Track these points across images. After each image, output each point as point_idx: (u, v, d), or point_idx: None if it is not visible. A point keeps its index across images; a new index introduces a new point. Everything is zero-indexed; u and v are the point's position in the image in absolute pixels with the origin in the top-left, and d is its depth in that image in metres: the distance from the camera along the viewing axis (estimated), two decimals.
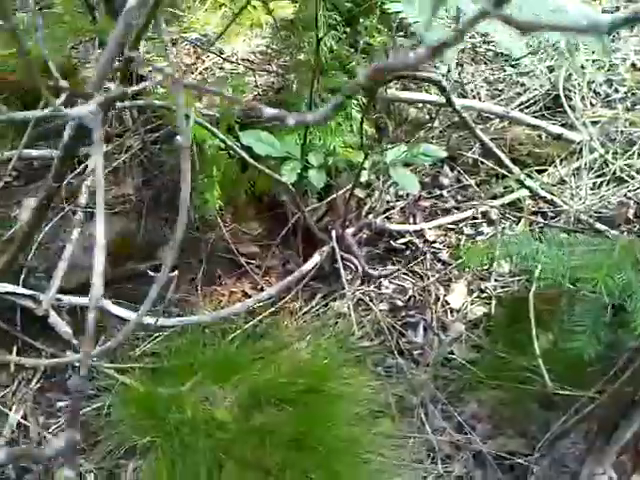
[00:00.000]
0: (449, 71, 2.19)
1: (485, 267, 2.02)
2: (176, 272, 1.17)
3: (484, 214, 2.18)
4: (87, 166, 2.18)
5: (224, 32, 1.80)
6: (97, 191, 0.41)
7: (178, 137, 0.91)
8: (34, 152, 2.26)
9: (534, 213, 2.16)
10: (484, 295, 1.99)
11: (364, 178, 1.87)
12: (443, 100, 2.07)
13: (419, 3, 1.53)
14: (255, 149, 1.84)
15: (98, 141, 0.43)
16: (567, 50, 2.16)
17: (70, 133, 0.85)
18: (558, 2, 1.29)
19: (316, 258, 2.04)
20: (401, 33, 2.27)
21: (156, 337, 1.96)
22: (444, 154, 1.89)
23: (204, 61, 2.95)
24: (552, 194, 2.07)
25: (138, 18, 0.63)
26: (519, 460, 1.62)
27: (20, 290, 1.91)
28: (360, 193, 2.22)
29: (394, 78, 2.01)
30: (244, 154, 1.61)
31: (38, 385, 1.86)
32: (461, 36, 0.36)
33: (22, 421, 1.77)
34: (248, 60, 3.01)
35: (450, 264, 2.07)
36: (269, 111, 0.45)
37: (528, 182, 2.03)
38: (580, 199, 2.13)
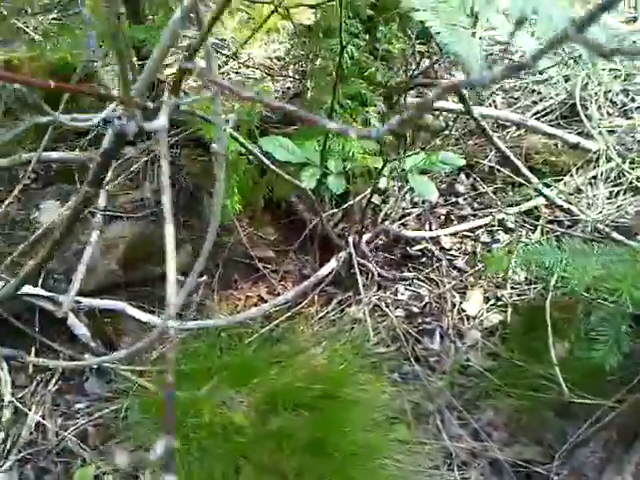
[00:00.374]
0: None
1: (501, 275, 2.03)
2: (204, 277, 1.18)
3: (500, 222, 2.19)
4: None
5: (250, 38, 1.81)
6: (164, 197, 0.42)
7: (214, 145, 0.93)
8: (53, 154, 2.28)
9: (550, 222, 2.16)
10: (500, 303, 2.00)
11: (382, 184, 1.88)
12: (461, 108, 2.09)
13: (444, 15, 1.54)
14: (275, 155, 1.85)
15: (165, 153, 0.45)
16: (589, 60, 2.16)
17: (111, 139, 0.86)
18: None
19: (332, 264, 2.05)
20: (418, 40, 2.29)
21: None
22: (462, 162, 1.89)
23: (221, 66, 2.97)
24: (569, 203, 2.07)
25: (185, 28, 0.64)
26: (536, 468, 1.62)
27: (39, 292, 1.93)
28: (376, 199, 2.23)
29: (414, 86, 2.02)
30: (266, 160, 1.62)
31: (56, 387, 1.87)
32: (538, 58, 0.36)
33: (41, 420, 1.78)
34: (264, 65, 3.03)
35: (466, 271, 2.07)
36: (332, 125, 0.46)
37: (545, 191, 2.03)
38: (597, 208, 2.14)
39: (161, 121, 0.48)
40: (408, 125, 2.00)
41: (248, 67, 2.96)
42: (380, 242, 2.15)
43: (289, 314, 2.00)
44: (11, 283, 1.35)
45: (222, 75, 2.93)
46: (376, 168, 2.05)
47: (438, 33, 1.45)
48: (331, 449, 1.68)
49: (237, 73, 2.95)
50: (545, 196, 2.04)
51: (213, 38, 3.14)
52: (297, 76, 2.76)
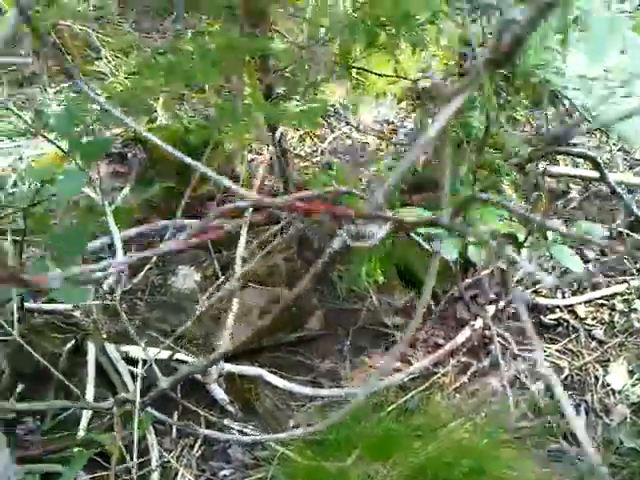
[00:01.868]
0: (599, 146, 2.19)
1: None
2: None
3: (637, 288, 2.14)
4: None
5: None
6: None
7: (435, 243, 0.96)
8: (188, 221, 2.37)
9: None
10: None
11: (524, 254, 1.87)
12: (594, 174, 2.08)
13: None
14: None
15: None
16: None
17: (339, 245, 0.93)
18: None
19: (467, 332, 2.04)
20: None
21: (308, 408, 1.99)
22: (605, 232, 1.87)
23: (333, 130, 3.07)
24: None
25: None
26: None
27: (185, 358, 1.99)
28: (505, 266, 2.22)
29: (548, 153, 2.03)
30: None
31: (200, 452, 1.90)
32: None
33: None
34: (374, 129, 3.10)
35: (606, 342, 2.02)
36: None
37: None
38: None
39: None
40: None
41: (359, 131, 3.04)
42: (512, 311, 2.13)
43: (424, 384, 1.99)
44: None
45: (334, 140, 3.03)
46: (509, 235, 2.05)
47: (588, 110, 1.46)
48: None
49: (349, 137, 3.03)
50: None
51: None
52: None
